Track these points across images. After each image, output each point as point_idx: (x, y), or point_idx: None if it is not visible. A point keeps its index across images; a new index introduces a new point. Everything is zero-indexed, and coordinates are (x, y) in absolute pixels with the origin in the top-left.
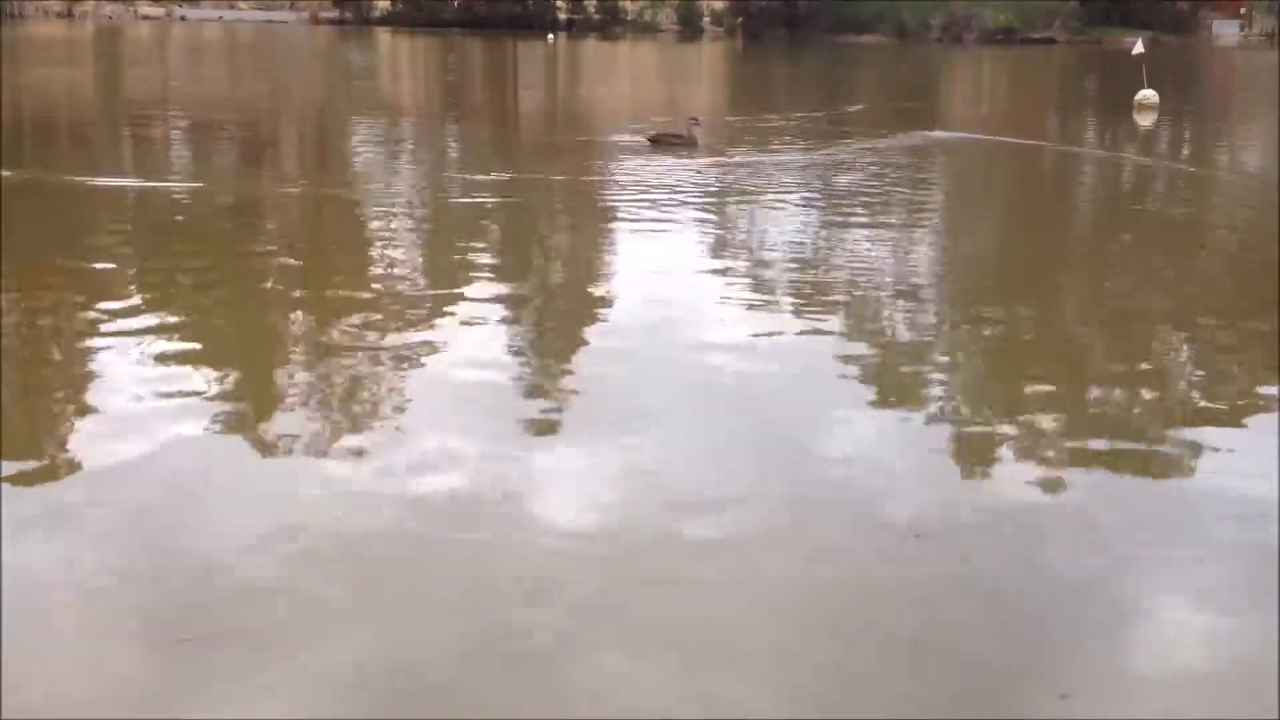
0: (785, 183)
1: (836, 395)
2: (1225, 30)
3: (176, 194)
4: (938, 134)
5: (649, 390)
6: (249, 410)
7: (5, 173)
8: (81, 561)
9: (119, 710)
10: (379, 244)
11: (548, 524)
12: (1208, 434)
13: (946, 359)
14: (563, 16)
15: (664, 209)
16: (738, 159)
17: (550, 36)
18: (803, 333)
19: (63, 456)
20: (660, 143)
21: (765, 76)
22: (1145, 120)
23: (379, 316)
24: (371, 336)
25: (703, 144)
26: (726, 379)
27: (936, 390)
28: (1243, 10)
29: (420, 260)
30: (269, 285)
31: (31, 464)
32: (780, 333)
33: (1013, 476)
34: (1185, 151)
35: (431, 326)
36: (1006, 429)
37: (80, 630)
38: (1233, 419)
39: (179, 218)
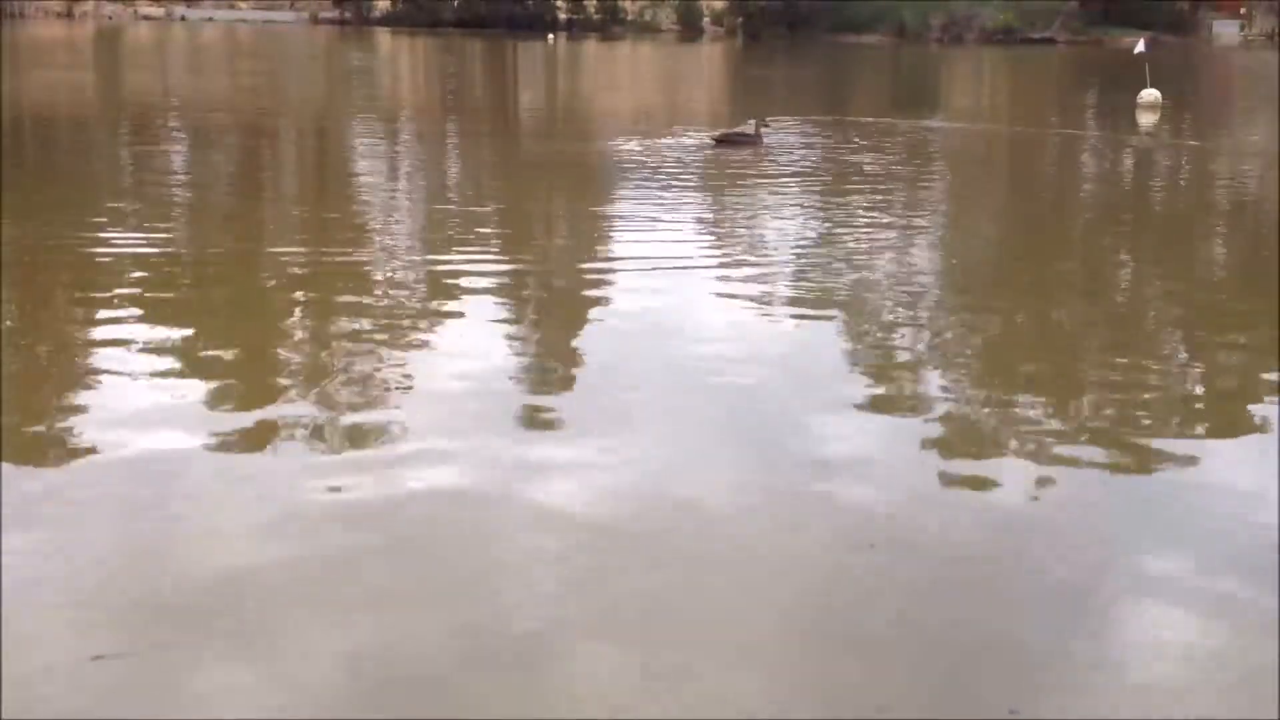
0: (788, 179)
1: (835, 394)
2: (1225, 30)
3: (173, 249)
4: (946, 125)
5: (646, 389)
6: (242, 406)
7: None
8: (60, 556)
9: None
10: (378, 262)
11: (542, 522)
12: (1207, 432)
13: (946, 358)
14: (562, 17)
15: (665, 208)
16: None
17: (550, 37)
18: (802, 328)
19: (52, 451)
20: (726, 142)
21: (777, 78)
22: (1148, 119)
23: (377, 317)
24: (368, 335)
25: (765, 147)
26: (725, 376)
27: (935, 389)
28: (1243, 10)
29: (420, 272)
30: (266, 294)
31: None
32: (781, 329)
33: (1011, 477)
34: (1189, 141)
35: (430, 325)
36: (1005, 428)
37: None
38: (1234, 416)
39: (171, 269)
